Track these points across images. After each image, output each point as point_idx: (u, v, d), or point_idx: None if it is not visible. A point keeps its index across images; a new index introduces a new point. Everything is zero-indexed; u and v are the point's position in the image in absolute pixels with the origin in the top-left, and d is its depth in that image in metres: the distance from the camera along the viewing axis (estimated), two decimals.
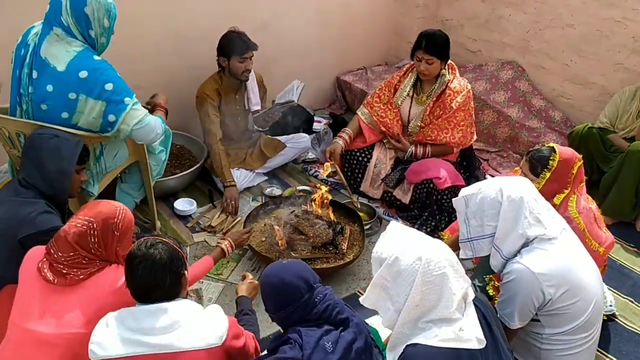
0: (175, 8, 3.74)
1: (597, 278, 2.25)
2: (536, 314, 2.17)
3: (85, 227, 1.94)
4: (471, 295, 1.86)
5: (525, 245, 2.17)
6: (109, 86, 2.56)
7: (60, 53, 2.51)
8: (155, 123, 2.78)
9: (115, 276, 1.96)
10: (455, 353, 1.69)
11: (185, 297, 1.91)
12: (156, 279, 1.77)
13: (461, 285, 1.77)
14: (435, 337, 1.71)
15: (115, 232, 1.99)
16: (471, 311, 1.82)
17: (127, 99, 2.63)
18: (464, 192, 2.27)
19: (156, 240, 1.83)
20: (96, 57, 2.56)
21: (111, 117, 2.62)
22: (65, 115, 2.56)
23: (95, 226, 1.94)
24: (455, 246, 2.82)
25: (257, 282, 2.43)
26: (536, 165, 2.50)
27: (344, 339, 1.87)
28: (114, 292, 1.93)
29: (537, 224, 2.13)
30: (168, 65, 3.87)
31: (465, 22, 4.94)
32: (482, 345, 1.74)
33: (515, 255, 2.17)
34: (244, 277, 2.48)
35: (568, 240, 2.21)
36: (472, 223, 2.25)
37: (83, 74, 2.50)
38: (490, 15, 4.74)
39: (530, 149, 2.59)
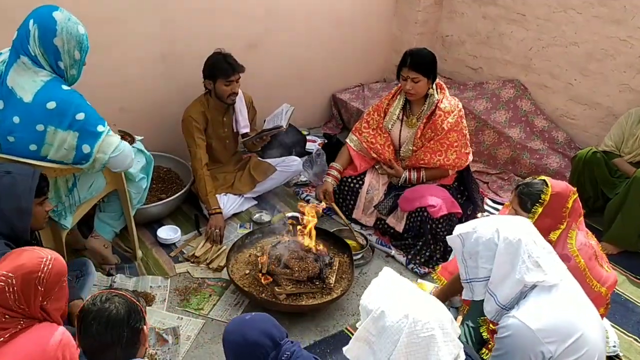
0: (160, 28, 3.62)
1: (600, 330, 2.07)
2: None
3: (2, 282, 1.73)
4: (462, 357, 1.70)
5: (522, 293, 1.99)
6: (80, 116, 2.44)
7: (27, 83, 2.39)
8: (129, 149, 2.68)
9: (43, 336, 1.77)
10: None
11: (144, 356, 1.76)
12: (112, 337, 1.64)
13: (450, 351, 1.62)
14: None
15: (39, 287, 1.78)
16: None
17: (100, 127, 2.52)
18: (459, 229, 2.11)
19: (112, 294, 1.70)
20: (64, 87, 2.44)
21: (85, 148, 2.50)
22: (33, 147, 2.45)
23: (14, 282, 1.74)
24: (445, 294, 2.68)
25: None
26: (526, 200, 2.34)
27: None
28: (43, 354, 1.73)
29: (536, 268, 1.95)
30: (154, 87, 3.76)
31: (466, 38, 4.79)
32: None
33: (512, 307, 2.00)
34: None
35: (569, 288, 2.03)
36: (470, 264, 2.09)
37: (51, 104, 2.38)
38: (492, 32, 4.58)
39: (519, 183, 2.42)
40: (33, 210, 2.20)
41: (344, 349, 1.75)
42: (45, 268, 1.79)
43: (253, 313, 1.87)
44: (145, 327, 1.74)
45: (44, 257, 1.81)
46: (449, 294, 2.70)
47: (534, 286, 1.97)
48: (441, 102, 3.35)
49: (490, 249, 1.99)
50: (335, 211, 3.57)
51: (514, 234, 1.96)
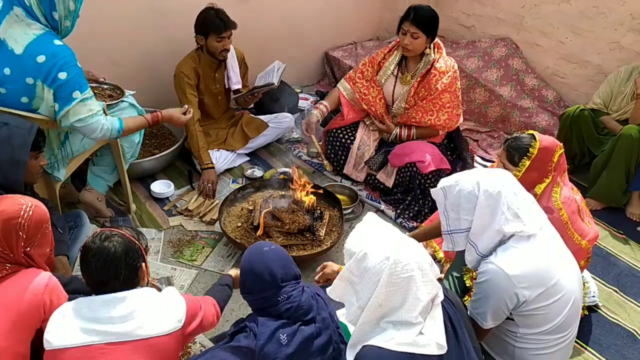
0: None
1: (577, 278, 2.16)
2: (510, 313, 2.10)
3: None
4: (440, 297, 1.78)
5: (502, 242, 2.07)
6: (62, 75, 2.42)
7: (19, 35, 2.39)
8: (102, 126, 2.58)
9: (30, 280, 1.82)
10: (410, 358, 1.63)
11: (146, 286, 1.85)
12: (110, 273, 1.73)
13: (428, 291, 1.69)
14: (392, 340, 1.65)
15: (20, 233, 1.82)
16: (437, 314, 1.75)
17: (75, 93, 2.47)
18: (442, 183, 2.16)
19: (112, 233, 1.77)
20: (57, 42, 2.43)
21: (56, 107, 2.48)
22: (24, 100, 2.47)
23: None
24: (426, 235, 2.76)
25: None
26: (514, 153, 2.39)
27: (302, 333, 1.85)
28: (30, 297, 1.78)
29: (515, 219, 2.02)
30: (145, 40, 3.75)
31: None
32: (442, 351, 1.67)
33: (491, 254, 2.07)
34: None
35: (547, 237, 2.11)
36: (451, 215, 2.15)
37: (41, 58, 2.38)
38: None
39: (508, 137, 2.47)
40: (28, 164, 2.21)
41: (328, 289, 1.82)
42: (26, 214, 1.83)
43: (273, 246, 1.97)
44: (144, 264, 1.82)
45: (24, 204, 1.84)
46: (430, 236, 2.80)
47: (512, 235, 2.04)
48: (437, 61, 3.35)
49: (471, 201, 2.05)
50: (314, 144, 3.59)
51: (494, 187, 2.02)
